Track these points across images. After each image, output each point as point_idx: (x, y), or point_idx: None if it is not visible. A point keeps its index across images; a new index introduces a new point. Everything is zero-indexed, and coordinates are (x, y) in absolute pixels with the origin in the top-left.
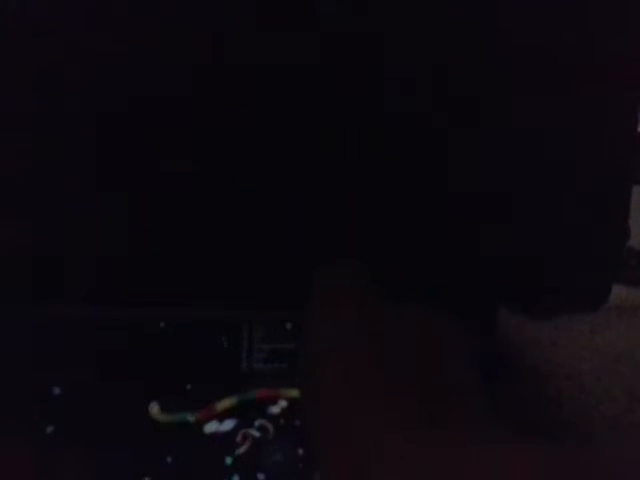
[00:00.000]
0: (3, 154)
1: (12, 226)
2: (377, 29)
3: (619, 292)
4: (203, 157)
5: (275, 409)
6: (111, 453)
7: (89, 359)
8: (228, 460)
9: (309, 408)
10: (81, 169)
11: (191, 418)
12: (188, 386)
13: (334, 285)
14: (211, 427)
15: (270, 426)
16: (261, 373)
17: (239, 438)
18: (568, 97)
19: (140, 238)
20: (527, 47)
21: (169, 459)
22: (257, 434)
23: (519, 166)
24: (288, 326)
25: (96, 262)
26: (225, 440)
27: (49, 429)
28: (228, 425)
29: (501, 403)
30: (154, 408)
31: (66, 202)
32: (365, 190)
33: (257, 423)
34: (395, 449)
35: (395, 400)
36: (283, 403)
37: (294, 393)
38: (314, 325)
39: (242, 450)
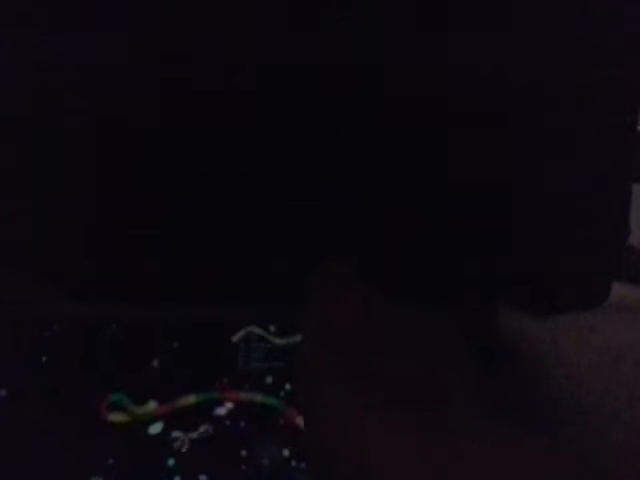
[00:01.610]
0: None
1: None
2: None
3: (619, 290)
4: (200, 158)
5: (221, 411)
6: (54, 454)
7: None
8: (170, 461)
9: (305, 408)
10: (79, 168)
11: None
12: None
13: (331, 283)
14: (155, 428)
15: (211, 428)
16: (258, 371)
17: (182, 439)
18: (568, 95)
19: (136, 237)
20: (525, 44)
21: (111, 460)
22: (201, 435)
23: (519, 165)
24: (286, 325)
25: (95, 260)
26: (168, 441)
27: None
28: (172, 426)
29: (500, 400)
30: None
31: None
32: (363, 187)
33: (202, 425)
34: (393, 449)
35: (393, 399)
36: (229, 405)
37: (257, 398)
38: (311, 323)
39: (184, 451)
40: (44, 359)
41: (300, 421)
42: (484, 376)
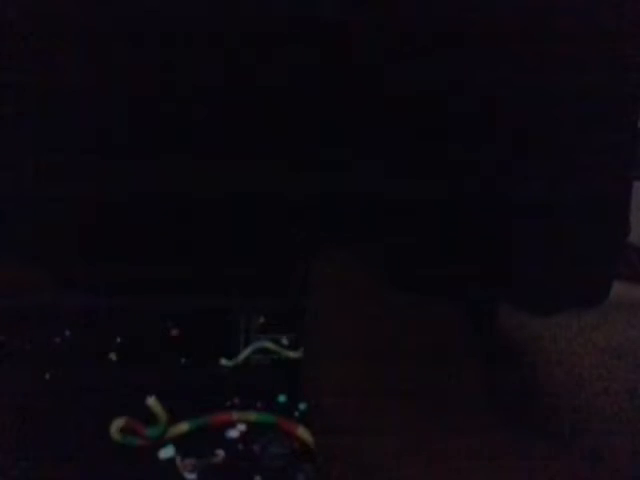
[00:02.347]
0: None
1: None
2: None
3: (619, 288)
4: (200, 147)
5: (233, 433)
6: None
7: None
8: None
9: (311, 398)
10: (83, 161)
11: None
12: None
13: (334, 273)
14: (166, 452)
15: (223, 452)
16: (259, 364)
17: (193, 464)
18: (570, 93)
19: (137, 229)
20: (527, 43)
21: None
22: (213, 460)
23: (520, 162)
24: (286, 316)
25: (96, 251)
26: (179, 466)
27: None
28: (183, 450)
29: (500, 399)
30: (115, 426)
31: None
32: (366, 176)
33: (213, 448)
34: (394, 449)
35: (395, 392)
36: (242, 427)
37: (251, 417)
38: (316, 315)
39: (195, 477)
40: (48, 375)
41: (302, 432)
42: (484, 375)
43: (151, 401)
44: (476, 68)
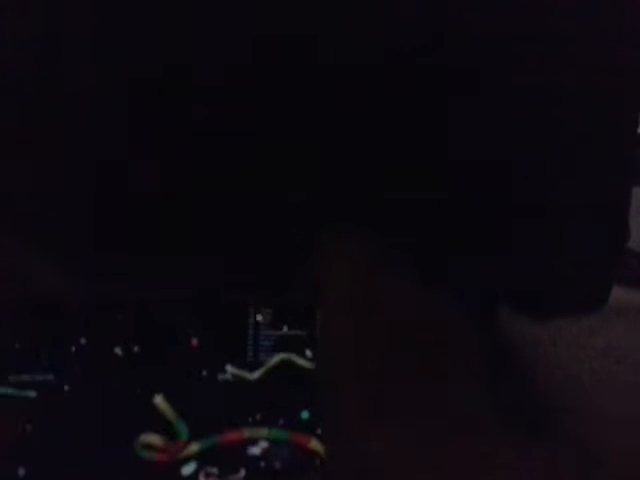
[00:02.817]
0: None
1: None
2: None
3: (619, 293)
4: (203, 137)
5: (256, 450)
6: None
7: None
8: None
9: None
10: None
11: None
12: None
13: (344, 264)
14: (188, 469)
15: (244, 470)
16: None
17: None
18: (568, 98)
19: (141, 218)
20: (526, 43)
21: None
22: (235, 477)
23: (519, 170)
24: (296, 310)
25: (100, 245)
26: None
27: (21, 471)
28: (205, 468)
29: (500, 401)
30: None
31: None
32: (365, 174)
33: (236, 466)
34: (394, 445)
35: (396, 392)
36: (264, 444)
37: (263, 433)
38: (329, 315)
39: None
40: (67, 387)
41: (314, 445)
42: (485, 377)
43: (158, 400)
44: (476, 68)
